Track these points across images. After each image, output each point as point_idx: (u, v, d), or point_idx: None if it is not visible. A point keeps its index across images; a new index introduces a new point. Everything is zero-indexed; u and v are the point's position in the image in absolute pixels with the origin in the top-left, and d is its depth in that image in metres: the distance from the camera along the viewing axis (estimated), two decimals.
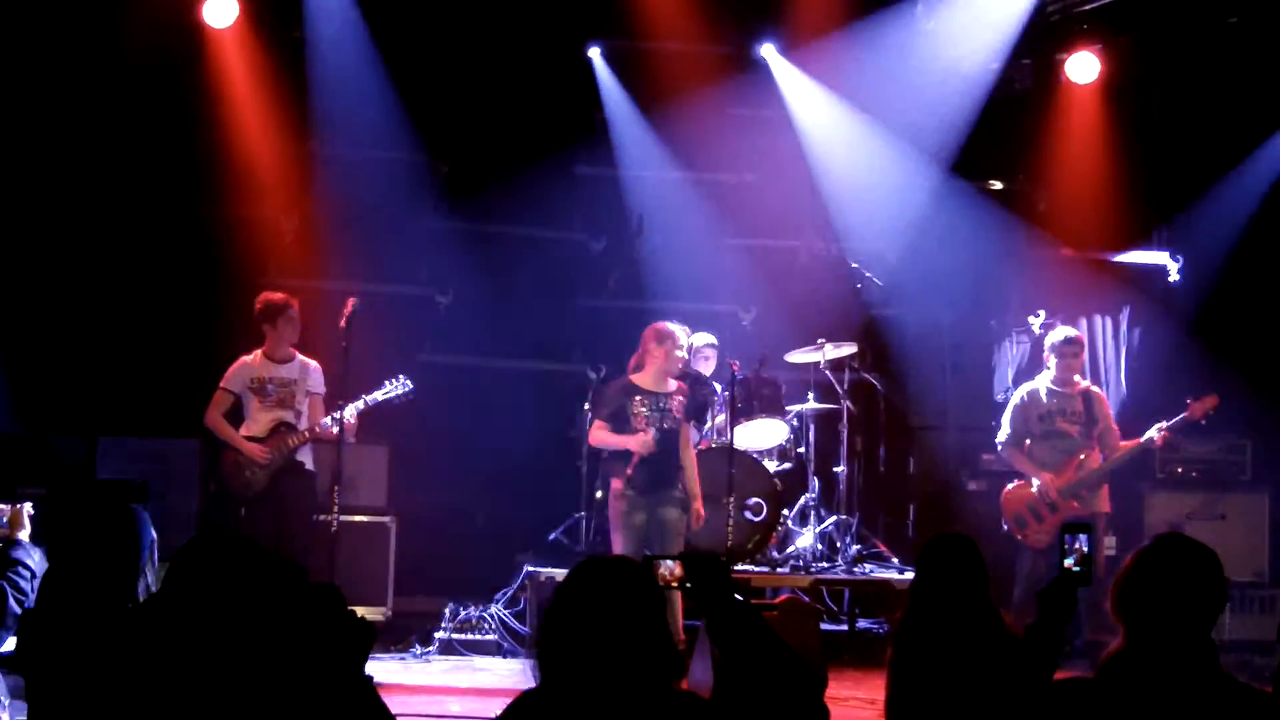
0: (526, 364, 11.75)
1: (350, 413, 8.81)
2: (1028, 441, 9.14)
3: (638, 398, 8.61)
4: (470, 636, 9.57)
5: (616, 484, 8.61)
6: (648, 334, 8.74)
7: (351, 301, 8.85)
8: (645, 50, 11.64)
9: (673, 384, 8.72)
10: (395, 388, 9.03)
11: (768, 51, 11.82)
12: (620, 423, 8.62)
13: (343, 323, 8.72)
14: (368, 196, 11.38)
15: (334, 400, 8.88)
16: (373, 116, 11.37)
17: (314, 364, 9.17)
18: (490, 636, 9.62)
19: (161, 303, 10.91)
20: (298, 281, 10.26)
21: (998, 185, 12.28)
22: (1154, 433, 8.95)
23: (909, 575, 9.89)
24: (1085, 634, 8.59)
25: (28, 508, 5.59)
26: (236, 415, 9.11)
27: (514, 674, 9.03)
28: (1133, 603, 3.53)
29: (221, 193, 11.03)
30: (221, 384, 9.10)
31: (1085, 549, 4.06)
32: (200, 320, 10.77)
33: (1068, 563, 4.07)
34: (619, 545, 8.53)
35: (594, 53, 11.74)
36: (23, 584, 5.10)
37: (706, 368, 10.36)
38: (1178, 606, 3.46)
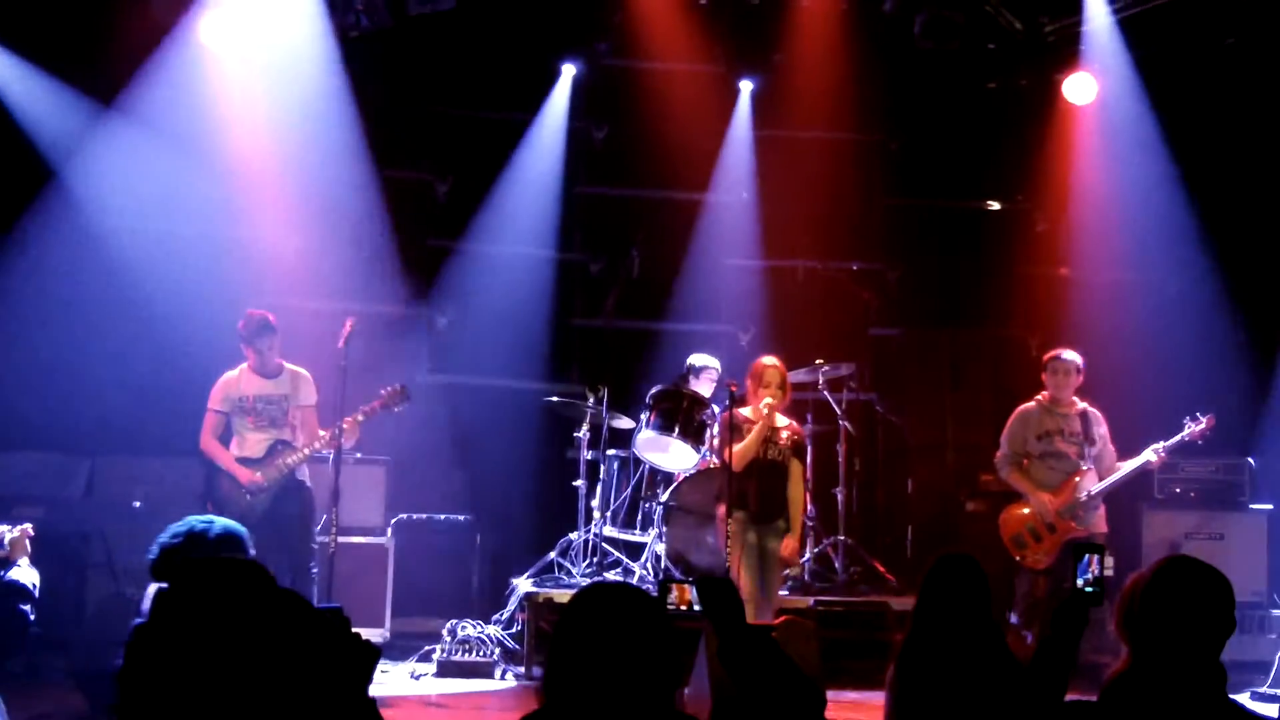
0: (524, 384, 11.74)
1: (350, 425, 8.77)
2: (1025, 461, 9.14)
3: (747, 427, 8.74)
4: (468, 658, 9.53)
5: (724, 507, 8.69)
6: (751, 370, 8.90)
7: (350, 321, 8.80)
8: (644, 70, 11.68)
9: (782, 419, 8.83)
10: (390, 397, 8.96)
11: (745, 87, 11.92)
12: None
13: (341, 343, 8.68)
14: (368, 217, 11.40)
15: (329, 416, 8.83)
16: (373, 135, 11.40)
17: (304, 374, 9.03)
18: (488, 658, 9.59)
19: (161, 322, 10.89)
20: (297, 301, 10.25)
21: (996, 205, 12.30)
22: (1151, 453, 8.96)
23: (907, 596, 9.89)
24: (1082, 654, 8.57)
25: (28, 530, 5.58)
26: (227, 433, 9.05)
27: (512, 695, 9.01)
28: (1142, 625, 3.53)
29: (221, 213, 11.03)
30: (210, 405, 8.98)
31: (1098, 570, 4.07)
32: (199, 340, 10.76)
33: (1080, 582, 4.07)
34: (735, 565, 8.56)
35: (567, 69, 11.73)
36: (21, 606, 5.09)
37: (708, 389, 10.37)
38: (1188, 630, 3.45)
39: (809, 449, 10.63)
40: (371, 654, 3.20)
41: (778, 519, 8.75)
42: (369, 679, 3.20)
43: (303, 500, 8.93)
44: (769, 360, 8.88)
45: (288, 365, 9.03)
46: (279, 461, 8.81)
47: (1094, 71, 11.19)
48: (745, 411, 8.83)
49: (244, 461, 8.86)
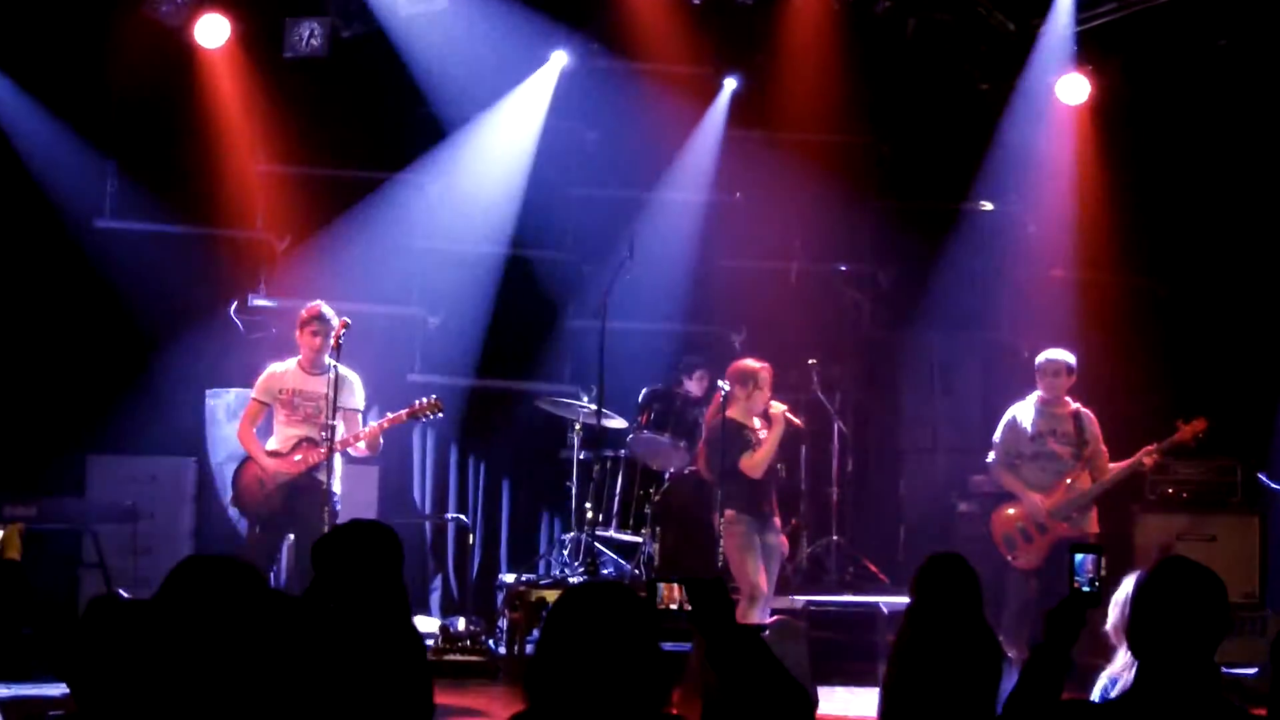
0: (516, 385, 11.72)
1: (374, 431, 8.73)
2: (1017, 462, 9.15)
3: (746, 431, 8.74)
4: (460, 657, 9.52)
5: (731, 512, 8.72)
6: (730, 375, 8.87)
7: (342, 322, 8.77)
8: (636, 70, 11.67)
9: (757, 421, 8.84)
10: (424, 408, 8.86)
11: (728, 84, 11.90)
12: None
13: (333, 343, 8.65)
14: (358, 216, 11.40)
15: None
16: (363, 136, 11.41)
17: (352, 376, 8.81)
18: (480, 657, 9.57)
19: (153, 322, 10.89)
20: (288, 301, 10.24)
21: (988, 206, 12.30)
22: (1143, 455, 8.96)
23: (899, 597, 9.90)
24: (1076, 655, 8.57)
25: (21, 528, 5.56)
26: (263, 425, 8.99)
27: (503, 695, 9.00)
28: (1136, 626, 3.53)
29: (212, 213, 11.03)
30: (253, 394, 8.92)
31: (1094, 570, 4.07)
32: (192, 340, 10.77)
33: (1077, 582, 4.07)
34: (748, 567, 8.60)
35: (557, 56, 11.67)
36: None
37: (700, 389, 10.38)
38: (1182, 631, 3.46)
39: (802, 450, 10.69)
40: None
41: (774, 515, 8.86)
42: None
43: (318, 500, 8.64)
44: (759, 363, 8.88)
45: (338, 366, 8.69)
46: (295, 457, 8.73)
47: (1086, 72, 11.19)
48: (745, 419, 8.83)
49: (270, 455, 8.80)
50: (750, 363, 8.89)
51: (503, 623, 10.06)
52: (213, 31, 10.52)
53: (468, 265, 11.65)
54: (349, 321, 8.73)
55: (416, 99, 11.32)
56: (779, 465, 9.02)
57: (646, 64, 11.57)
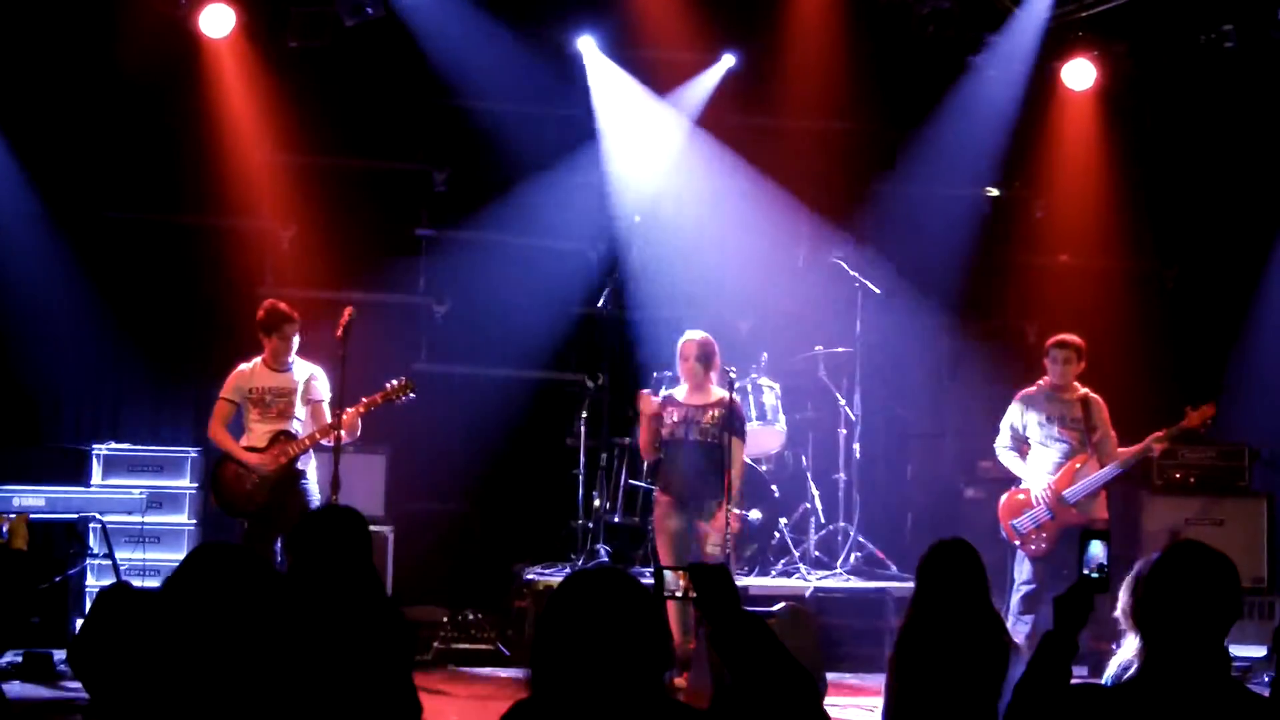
0: (523, 373, 11.72)
1: (350, 416, 8.73)
2: (1025, 447, 9.13)
3: (670, 409, 8.81)
4: (467, 645, 9.53)
5: (657, 492, 8.88)
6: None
7: (348, 311, 8.75)
8: (636, 57, 11.65)
9: (715, 395, 8.80)
10: (395, 390, 8.90)
11: (726, 62, 11.85)
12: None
13: (339, 332, 8.63)
14: (364, 205, 11.40)
15: (335, 408, 8.79)
16: (369, 125, 11.40)
17: (317, 369, 8.94)
18: (487, 645, 9.59)
19: (159, 313, 10.90)
20: (295, 291, 10.24)
21: (994, 192, 12.28)
22: (1152, 441, 8.93)
23: (907, 583, 9.90)
24: (1086, 640, 8.56)
25: (26, 516, 5.58)
26: (236, 425, 9.00)
27: (511, 683, 9.01)
28: (1147, 610, 3.53)
29: (218, 203, 11.03)
30: (222, 394, 8.90)
31: (1102, 557, 4.06)
32: (197, 330, 10.78)
33: (1085, 570, 4.07)
34: (659, 547, 8.79)
35: (586, 42, 11.64)
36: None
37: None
38: (1193, 614, 3.45)
39: (795, 428, 10.62)
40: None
41: (709, 500, 8.69)
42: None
43: (302, 492, 8.78)
44: (688, 335, 9.00)
45: (302, 360, 8.93)
46: (277, 450, 8.75)
47: (1092, 57, 11.18)
48: (677, 393, 8.93)
49: (248, 451, 8.83)
50: (688, 334, 9.03)
51: (505, 609, 10.07)
52: (218, 21, 10.51)
53: (475, 253, 11.64)
54: (353, 310, 8.74)
55: (422, 86, 11.31)
56: (723, 448, 8.70)
57: (651, 51, 11.55)
